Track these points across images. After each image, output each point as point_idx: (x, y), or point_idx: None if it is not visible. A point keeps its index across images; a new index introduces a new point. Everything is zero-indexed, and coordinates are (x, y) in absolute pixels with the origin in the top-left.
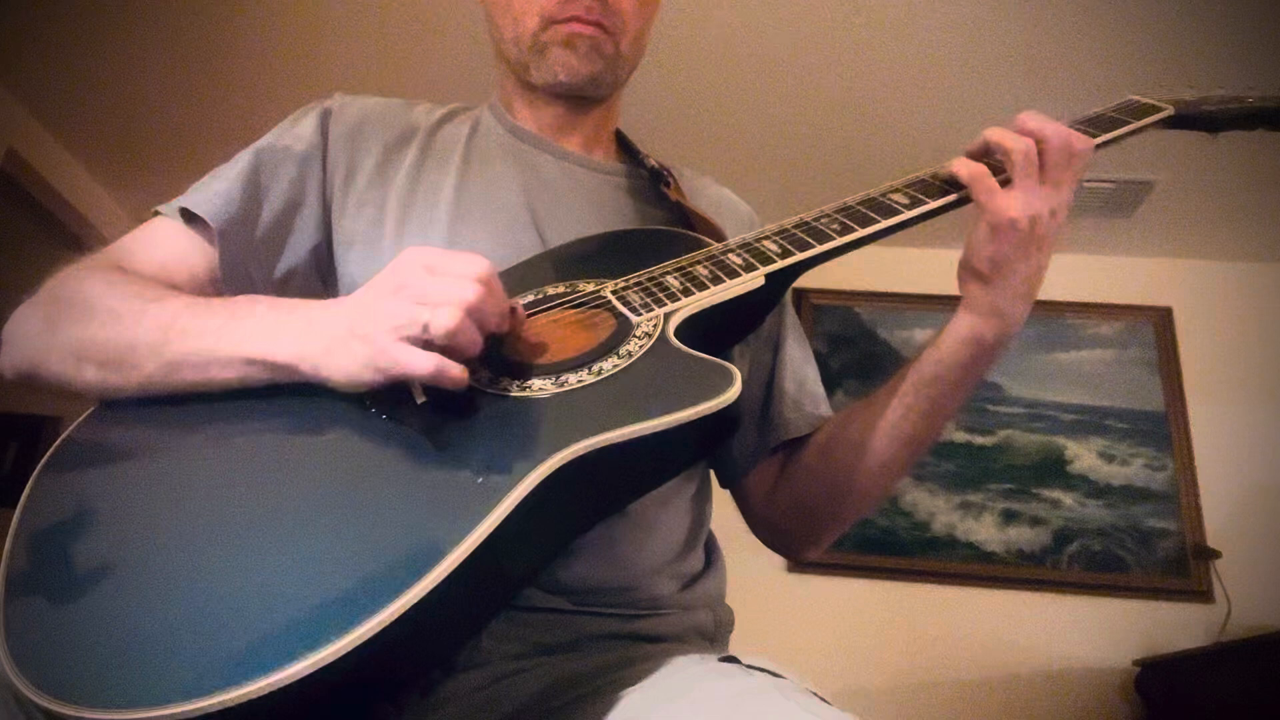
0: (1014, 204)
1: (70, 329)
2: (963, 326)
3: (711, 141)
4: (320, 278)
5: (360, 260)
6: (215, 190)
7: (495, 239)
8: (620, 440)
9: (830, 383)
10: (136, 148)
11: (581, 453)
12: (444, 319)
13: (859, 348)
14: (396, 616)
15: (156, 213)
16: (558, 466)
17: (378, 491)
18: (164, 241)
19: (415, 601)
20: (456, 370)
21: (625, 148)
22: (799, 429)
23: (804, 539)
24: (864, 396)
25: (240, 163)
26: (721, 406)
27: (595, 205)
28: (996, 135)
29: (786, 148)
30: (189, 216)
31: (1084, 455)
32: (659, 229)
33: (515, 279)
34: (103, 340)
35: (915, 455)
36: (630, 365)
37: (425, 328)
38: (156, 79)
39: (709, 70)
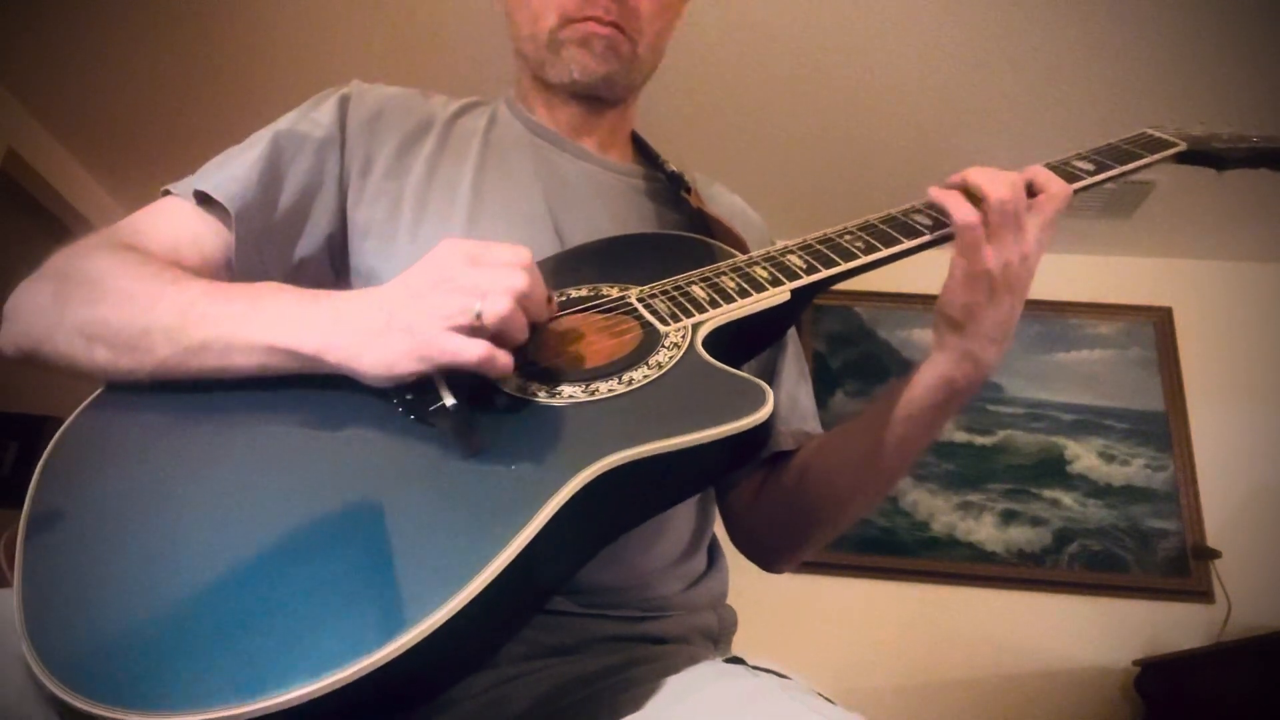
0: (989, 253)
1: (80, 308)
2: (935, 370)
3: (722, 147)
4: (333, 267)
5: (374, 252)
6: (232, 174)
7: (512, 236)
8: (653, 454)
9: (830, 383)
10: (136, 147)
11: (615, 465)
12: (497, 306)
13: (859, 348)
14: (428, 633)
15: (166, 192)
16: (591, 479)
17: (406, 496)
18: (176, 222)
19: (448, 618)
20: (504, 357)
21: (642, 150)
22: (784, 443)
23: (777, 553)
24: (867, 399)
25: (257, 147)
26: (755, 424)
27: (613, 206)
28: (977, 179)
29: (798, 154)
30: (202, 198)
31: (1084, 455)
32: (681, 235)
33: None
34: (116, 321)
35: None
36: (661, 377)
37: (478, 315)
38: (156, 79)
39: (724, 76)
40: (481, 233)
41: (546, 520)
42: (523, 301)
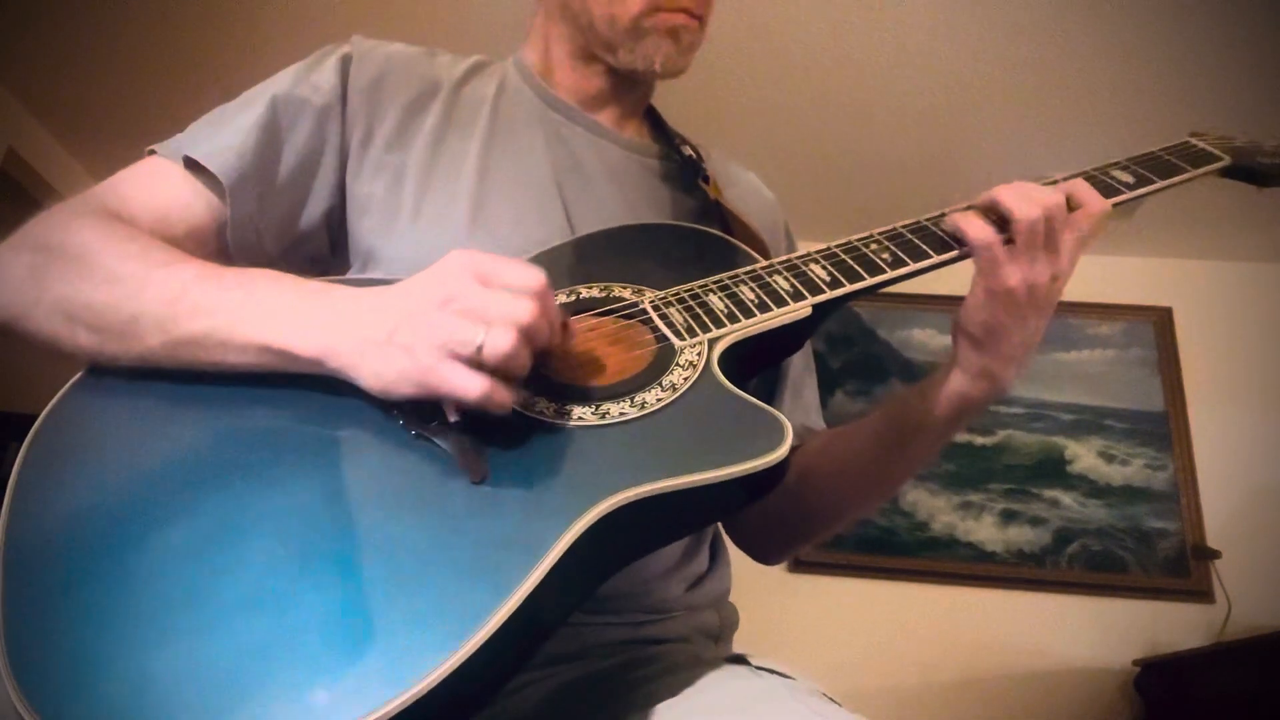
0: (1015, 274)
1: (62, 285)
2: (952, 385)
3: (730, 129)
4: (330, 242)
5: (374, 230)
6: (226, 142)
7: (521, 218)
8: (665, 492)
9: (830, 383)
10: (137, 147)
11: (626, 502)
12: (499, 342)
13: (859, 348)
14: (426, 690)
15: (152, 152)
16: (601, 516)
17: (403, 527)
18: (164, 189)
19: (447, 674)
20: (505, 394)
21: (657, 125)
22: None
23: (771, 548)
24: (868, 399)
25: (253, 111)
26: (773, 464)
27: (626, 190)
28: (1006, 199)
29: (801, 150)
30: (193, 164)
31: (1084, 455)
32: (698, 229)
33: (545, 269)
34: (100, 305)
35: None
36: (675, 401)
37: (478, 349)
38: (157, 78)
39: (726, 67)
40: (488, 216)
41: (552, 565)
42: (528, 334)
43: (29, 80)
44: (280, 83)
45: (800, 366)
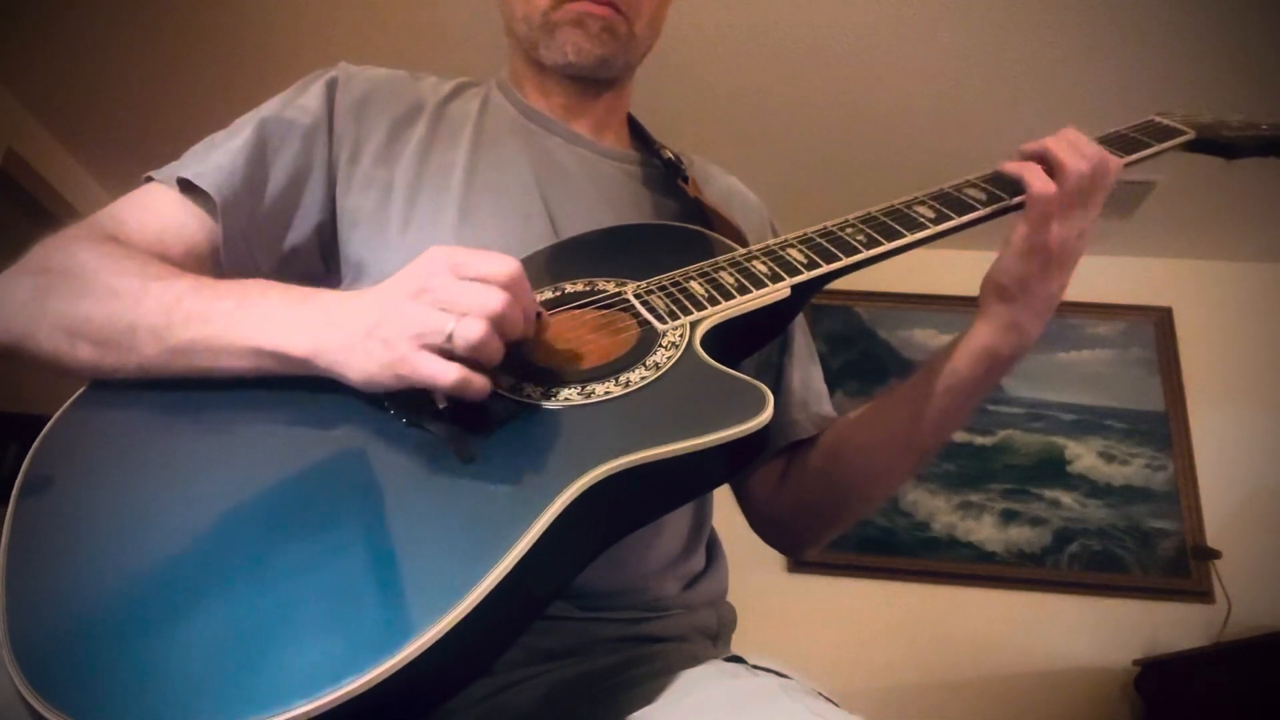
0: (1055, 227)
1: (63, 303)
2: (979, 340)
3: (720, 134)
4: (322, 257)
5: (365, 242)
6: (217, 163)
7: (506, 225)
8: (651, 460)
9: (830, 383)
10: (137, 147)
11: (613, 472)
12: (468, 331)
13: (859, 348)
14: (421, 651)
15: (149, 179)
16: (589, 486)
17: (397, 506)
18: (160, 211)
19: (441, 635)
20: (480, 381)
21: (637, 134)
22: (805, 430)
23: (805, 538)
24: (867, 399)
25: (242, 134)
26: (755, 429)
27: (609, 193)
28: (1059, 152)
29: (797, 148)
30: (187, 186)
31: (1084, 455)
32: (678, 226)
33: (531, 271)
34: (100, 319)
35: (922, 462)
36: (659, 378)
37: (449, 338)
38: (157, 78)
39: (725, 63)
40: (474, 223)
41: (541, 531)
42: (499, 323)
43: (29, 80)
44: (268, 107)
45: (805, 358)
